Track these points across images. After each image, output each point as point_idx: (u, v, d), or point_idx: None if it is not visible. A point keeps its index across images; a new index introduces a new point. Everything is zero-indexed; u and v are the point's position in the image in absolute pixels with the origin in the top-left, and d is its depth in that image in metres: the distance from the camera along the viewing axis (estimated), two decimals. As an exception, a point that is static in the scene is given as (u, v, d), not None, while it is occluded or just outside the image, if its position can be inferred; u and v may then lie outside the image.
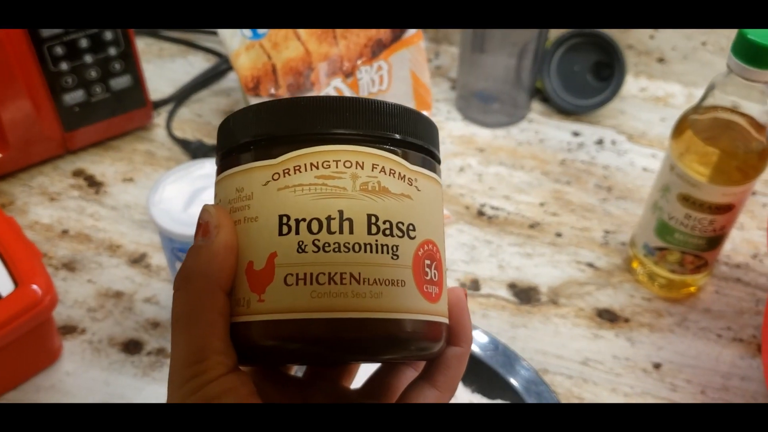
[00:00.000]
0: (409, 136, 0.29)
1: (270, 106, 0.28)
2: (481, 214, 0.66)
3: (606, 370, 0.55)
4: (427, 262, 0.28)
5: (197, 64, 0.81)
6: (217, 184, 0.30)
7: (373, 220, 0.27)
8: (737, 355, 0.56)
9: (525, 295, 0.60)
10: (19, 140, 0.64)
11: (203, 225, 0.28)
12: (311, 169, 0.27)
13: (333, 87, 0.56)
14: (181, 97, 0.76)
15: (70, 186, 0.68)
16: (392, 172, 0.28)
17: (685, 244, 0.56)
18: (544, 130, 0.74)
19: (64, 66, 0.63)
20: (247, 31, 0.54)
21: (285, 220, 0.27)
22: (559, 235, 0.64)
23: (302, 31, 0.54)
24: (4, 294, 0.48)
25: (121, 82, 0.67)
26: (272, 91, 0.55)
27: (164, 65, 0.81)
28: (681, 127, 0.54)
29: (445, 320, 0.30)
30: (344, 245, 0.27)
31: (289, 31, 0.54)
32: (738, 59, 0.49)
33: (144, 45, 0.83)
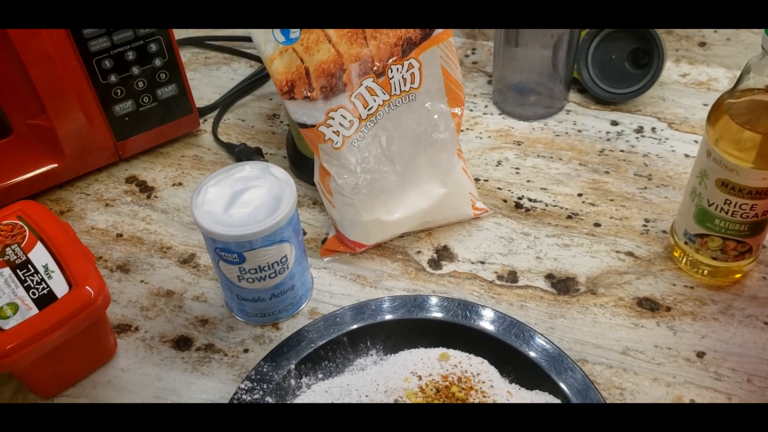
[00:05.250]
0: None
1: None
2: (518, 206, 0.66)
3: (647, 359, 0.55)
4: None
5: (240, 70, 0.84)
6: None
7: None
8: (785, 343, 0.55)
9: (563, 285, 0.60)
10: (74, 151, 0.68)
11: None
12: None
13: (365, 87, 0.57)
14: (226, 103, 0.79)
15: (124, 192, 0.71)
16: None
17: (727, 230, 0.55)
18: (582, 121, 0.74)
19: (113, 78, 0.66)
20: (280, 37, 0.55)
21: None
22: (597, 225, 0.64)
23: (333, 34, 0.56)
24: (60, 295, 0.51)
25: (167, 91, 0.70)
26: (306, 93, 0.56)
27: (210, 73, 0.84)
28: (717, 112, 0.53)
29: None
30: None
31: (321, 34, 0.56)
32: (772, 40, 0.48)
33: (190, 54, 0.86)
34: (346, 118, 0.57)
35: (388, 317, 0.55)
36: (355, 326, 0.55)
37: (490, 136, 0.73)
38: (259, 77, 0.81)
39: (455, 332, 0.55)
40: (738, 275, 0.59)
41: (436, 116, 0.60)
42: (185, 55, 0.86)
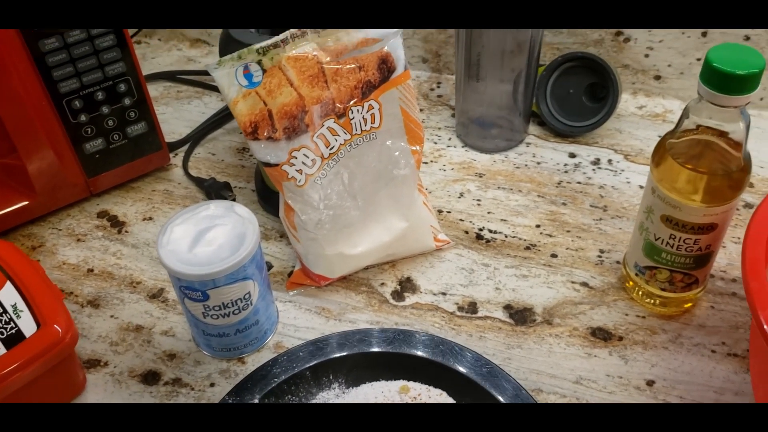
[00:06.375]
0: None
1: None
2: (479, 238, 0.69)
3: (599, 388, 0.57)
4: None
5: (211, 104, 0.86)
6: None
7: None
8: (731, 370, 0.57)
9: (520, 316, 0.62)
10: (45, 187, 0.70)
11: None
12: None
13: (327, 127, 0.59)
14: (197, 137, 0.81)
15: (95, 227, 0.73)
16: None
17: (673, 263, 0.58)
18: (542, 153, 0.76)
19: (83, 118, 0.68)
20: (243, 80, 0.57)
21: None
22: (554, 255, 0.66)
23: (294, 78, 0.58)
24: (28, 335, 0.52)
25: (137, 129, 0.72)
26: (269, 134, 0.58)
27: (181, 107, 0.86)
28: (660, 151, 0.55)
29: None
30: None
31: (282, 79, 0.58)
32: (707, 86, 0.50)
33: (162, 88, 0.88)
34: (308, 157, 0.59)
35: (350, 351, 0.57)
36: (317, 361, 0.57)
37: (453, 168, 0.76)
38: (229, 112, 0.83)
39: (416, 365, 0.56)
40: (689, 304, 0.62)
41: (396, 153, 0.63)
42: (157, 89, 0.88)
